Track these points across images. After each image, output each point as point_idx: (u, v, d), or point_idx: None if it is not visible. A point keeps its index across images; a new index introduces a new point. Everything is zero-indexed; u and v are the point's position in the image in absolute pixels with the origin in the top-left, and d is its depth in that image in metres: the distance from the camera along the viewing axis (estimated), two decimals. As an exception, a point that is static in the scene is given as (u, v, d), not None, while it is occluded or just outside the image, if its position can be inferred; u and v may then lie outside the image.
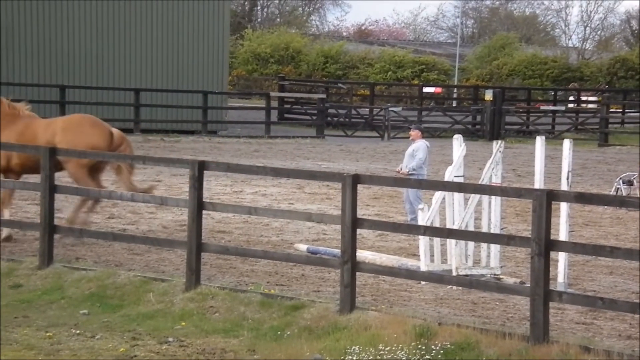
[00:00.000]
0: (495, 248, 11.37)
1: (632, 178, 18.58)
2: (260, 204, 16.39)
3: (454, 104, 45.93)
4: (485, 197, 11.25)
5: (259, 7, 75.55)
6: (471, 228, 11.26)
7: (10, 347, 8.52)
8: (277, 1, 76.29)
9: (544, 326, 8.56)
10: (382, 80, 51.51)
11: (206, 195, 10.86)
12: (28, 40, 30.44)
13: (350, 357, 8.36)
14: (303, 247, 12.80)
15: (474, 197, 11.21)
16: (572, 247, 9.90)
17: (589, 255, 11.23)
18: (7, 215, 13.28)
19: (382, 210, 16.42)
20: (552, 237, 8.87)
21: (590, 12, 69.67)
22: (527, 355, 8.30)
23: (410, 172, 14.60)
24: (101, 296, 10.26)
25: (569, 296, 9.27)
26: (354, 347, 8.51)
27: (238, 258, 11.70)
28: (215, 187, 17.96)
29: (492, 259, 11.43)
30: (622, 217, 16.37)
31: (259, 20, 72.84)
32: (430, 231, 10.63)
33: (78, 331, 9.11)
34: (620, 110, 41.18)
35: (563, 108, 41.48)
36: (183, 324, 9.42)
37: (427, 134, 34.91)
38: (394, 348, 8.45)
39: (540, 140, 11.08)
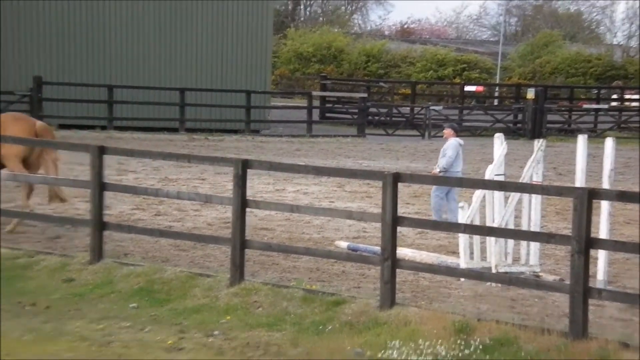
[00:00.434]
0: (535, 246, 11.40)
1: None
2: (301, 202, 16.51)
3: (496, 103, 45.69)
4: (525, 196, 11.28)
5: (302, 6, 75.55)
6: (511, 226, 11.30)
7: (65, 339, 8.68)
8: (320, 0, 76.28)
9: (583, 323, 8.61)
10: (424, 79, 51.24)
11: (249, 193, 10.97)
12: (77, 42, 30.82)
13: (390, 351, 8.43)
14: (344, 244, 12.91)
15: (515, 196, 11.25)
16: (612, 245, 9.90)
17: (630, 253, 11.20)
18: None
19: (422, 208, 16.45)
20: (593, 235, 8.89)
21: (637, 8, 68.69)
22: (566, 351, 8.33)
23: (440, 171, 14.50)
24: (149, 291, 10.41)
25: (608, 293, 9.30)
26: (394, 341, 8.58)
27: (280, 255, 11.83)
28: (258, 185, 18.08)
29: (531, 257, 11.48)
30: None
31: (302, 19, 72.81)
32: (470, 229, 10.69)
33: (128, 324, 9.26)
34: (665, 108, 40.62)
35: (606, 106, 40.96)
36: (228, 317, 9.54)
37: (468, 132, 34.96)
38: (433, 343, 8.51)
39: (582, 139, 11.04)
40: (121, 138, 27.07)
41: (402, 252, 11.45)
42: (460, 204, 11.63)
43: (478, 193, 11.51)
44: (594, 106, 40.28)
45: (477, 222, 11.26)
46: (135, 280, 10.66)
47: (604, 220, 10.55)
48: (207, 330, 9.07)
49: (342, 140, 31.26)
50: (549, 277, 11.25)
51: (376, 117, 35.82)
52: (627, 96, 44.10)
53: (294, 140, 30.52)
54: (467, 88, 44.55)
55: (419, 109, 36.32)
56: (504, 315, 9.48)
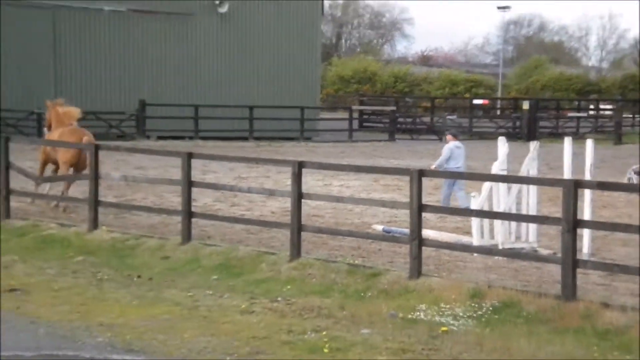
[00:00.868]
0: (533, 226, 11.21)
1: None
2: (345, 194, 16.42)
3: (498, 113, 45.28)
4: (524, 186, 11.10)
5: (343, 40, 75.69)
6: (514, 211, 11.12)
7: (163, 304, 8.69)
8: (357, 35, 76.27)
9: (573, 287, 8.42)
10: (440, 95, 51.03)
11: (304, 188, 10.90)
12: (172, 71, 31.10)
13: (418, 313, 8.33)
14: (379, 227, 12.79)
15: (516, 186, 11.08)
16: (594, 225, 9.76)
17: (608, 231, 10.98)
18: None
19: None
20: (579, 217, 8.72)
21: (605, 38, 68.68)
22: (559, 310, 8.16)
23: (435, 167, 14.44)
24: (227, 266, 10.39)
25: (592, 264, 9.12)
26: (421, 305, 8.49)
27: (329, 236, 11.70)
28: (310, 181, 18.03)
29: (530, 235, 11.29)
30: (633, 201, 15.92)
31: (343, 50, 72.92)
32: (481, 214, 10.56)
33: (211, 292, 9.23)
34: (631, 115, 40.36)
35: (585, 114, 40.83)
36: (288, 287, 9.49)
37: (477, 136, 34.65)
38: (452, 306, 8.42)
39: (567, 141, 10.95)
40: (204, 146, 27.20)
41: (426, 233, 11.28)
42: (472, 194, 11.46)
43: (486, 185, 11.34)
44: (576, 114, 40.04)
45: (486, 208, 11.08)
46: (216, 257, 10.65)
47: (587, 205, 10.40)
48: (272, 297, 9.03)
49: (376, 144, 31.16)
50: (545, 252, 11.04)
51: (403, 125, 35.73)
52: (601, 106, 43.96)
53: (338, 145, 30.50)
54: (475, 101, 44.41)
55: (437, 118, 36.13)
56: (509, 282, 9.30)
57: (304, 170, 10.52)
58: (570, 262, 8.44)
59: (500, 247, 10.91)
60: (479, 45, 78.87)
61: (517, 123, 35.83)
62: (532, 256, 10.14)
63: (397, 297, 8.89)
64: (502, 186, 11.18)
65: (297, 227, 10.31)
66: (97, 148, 12.48)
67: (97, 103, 29.18)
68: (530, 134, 33.57)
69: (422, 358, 7.07)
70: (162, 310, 8.38)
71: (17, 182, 14.38)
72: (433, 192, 17.15)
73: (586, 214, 10.32)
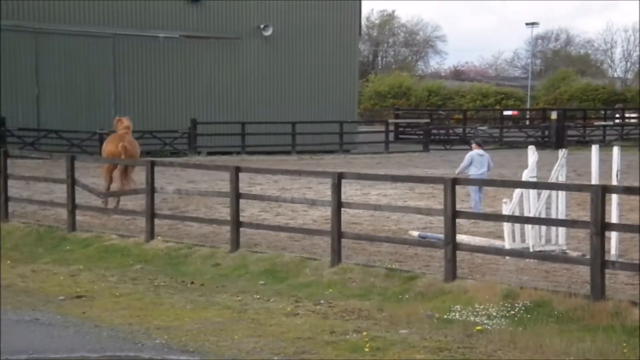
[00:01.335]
0: (562, 230, 11.03)
1: None
2: (382, 202, 16.32)
3: (527, 123, 44.74)
4: (554, 192, 10.94)
5: (379, 58, 75.64)
6: (543, 215, 10.95)
7: (214, 307, 8.74)
8: (393, 52, 76.15)
9: (601, 287, 8.28)
10: (472, 107, 50.59)
11: (343, 197, 10.88)
12: (220, 91, 31.43)
13: (453, 313, 8.26)
14: (415, 233, 12.69)
15: (545, 192, 10.92)
16: (621, 228, 9.57)
17: (635, 233, 10.71)
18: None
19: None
20: (606, 220, 8.58)
21: (630, 51, 67.78)
22: (589, 309, 8.02)
23: (458, 172, 14.71)
24: (273, 271, 10.39)
25: (620, 264, 8.94)
26: (456, 306, 8.42)
27: (367, 242, 11.67)
28: (349, 190, 17.96)
29: (560, 238, 11.10)
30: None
31: (380, 67, 72.83)
32: (512, 219, 10.42)
33: (258, 296, 9.27)
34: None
35: (611, 123, 40.10)
36: (330, 290, 9.47)
37: (507, 145, 34.26)
38: (486, 306, 8.31)
39: (595, 148, 10.73)
40: (250, 160, 27.37)
41: (460, 237, 11.17)
42: (504, 200, 11.32)
43: (517, 191, 11.20)
44: (602, 123, 39.38)
45: (517, 213, 10.94)
46: (262, 264, 10.68)
47: (615, 209, 10.20)
48: (315, 300, 9.03)
49: (412, 155, 30.98)
50: (574, 254, 10.84)
51: (437, 137, 35.46)
52: (626, 115, 43.21)
53: (375, 156, 30.38)
54: (505, 112, 43.86)
55: (470, 129, 35.78)
56: (540, 284, 9.17)
57: (343, 181, 10.51)
58: (599, 263, 8.30)
59: (531, 250, 10.75)
60: (509, 60, 78.10)
61: (546, 132, 35.34)
62: (561, 258, 9.98)
63: (433, 298, 8.83)
64: (532, 192, 11.03)
65: (338, 234, 10.29)
66: (152, 164, 12.65)
67: (153, 122, 29.59)
68: (559, 143, 33.08)
69: (458, 356, 7.00)
70: (213, 314, 8.43)
71: (81, 197, 14.64)
72: (466, 199, 16.98)
73: (613, 217, 10.12)
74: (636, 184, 16.36)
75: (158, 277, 10.41)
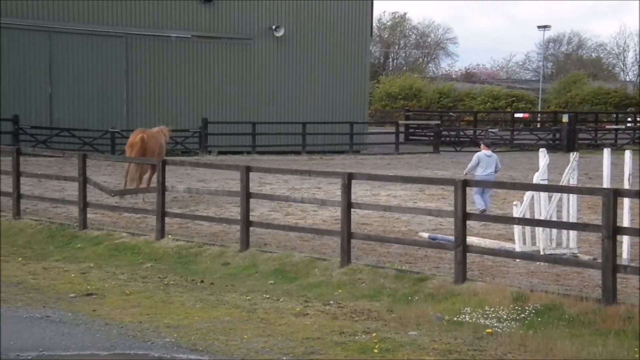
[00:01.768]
0: (573, 233, 10.95)
1: None
2: (392, 203, 16.26)
3: (539, 125, 44.57)
4: (565, 195, 10.86)
5: (390, 60, 75.56)
6: (554, 218, 10.88)
7: (223, 307, 8.73)
8: (404, 54, 76.04)
9: (613, 291, 8.21)
10: (483, 109, 50.44)
11: (353, 198, 10.85)
12: (232, 90, 31.44)
13: (463, 316, 8.21)
14: (425, 234, 12.64)
15: (556, 195, 10.85)
16: (633, 232, 9.43)
17: (647, 237, 10.67)
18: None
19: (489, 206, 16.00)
20: (618, 224, 8.51)
21: (641, 55, 67.35)
22: (600, 313, 7.96)
23: (466, 173, 14.91)
24: (282, 271, 10.37)
25: (631, 268, 8.86)
26: (466, 308, 8.37)
27: (377, 243, 11.62)
28: (359, 191, 17.93)
29: (571, 241, 11.02)
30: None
31: (390, 69, 72.76)
32: (522, 221, 10.35)
33: (267, 296, 9.25)
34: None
35: (623, 127, 39.82)
36: (340, 291, 9.43)
37: (518, 148, 34.14)
38: (496, 309, 8.26)
39: (606, 151, 10.64)
40: (261, 159, 27.37)
41: (470, 239, 11.12)
42: (515, 202, 11.27)
43: (528, 194, 11.13)
44: (614, 127, 39.11)
45: (527, 216, 10.88)
46: (272, 263, 10.65)
47: (626, 212, 10.12)
48: (324, 300, 9.00)
49: (422, 156, 30.89)
50: (585, 257, 10.77)
51: (447, 138, 35.35)
52: (638, 119, 42.95)
53: (385, 157, 30.33)
54: (517, 115, 43.76)
55: (480, 131, 35.66)
56: (550, 287, 9.11)
57: (353, 181, 10.48)
58: (611, 267, 8.23)
59: (541, 253, 10.68)
60: (520, 62, 77.93)
61: (557, 135, 35.17)
62: (572, 262, 9.90)
63: (443, 300, 8.77)
64: (543, 195, 10.96)
65: (347, 234, 10.26)
66: (164, 163, 12.65)
67: (164, 121, 29.41)
68: (570, 146, 32.91)
69: (467, 358, 6.95)
70: (223, 313, 8.42)
71: (93, 195, 14.67)
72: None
73: (625, 221, 10.04)
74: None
75: (168, 275, 10.41)
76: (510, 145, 35.08)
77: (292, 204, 15.20)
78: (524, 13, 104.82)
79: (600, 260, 8.64)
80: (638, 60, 68.23)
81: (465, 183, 9.47)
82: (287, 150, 30.35)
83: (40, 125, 27.42)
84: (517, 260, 10.57)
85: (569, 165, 11.06)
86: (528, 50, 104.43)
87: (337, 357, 6.96)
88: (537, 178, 11.19)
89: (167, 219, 12.46)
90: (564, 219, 10.90)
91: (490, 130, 34.58)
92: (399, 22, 75.26)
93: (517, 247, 10.93)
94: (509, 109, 49.37)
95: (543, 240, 10.85)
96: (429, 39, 76.40)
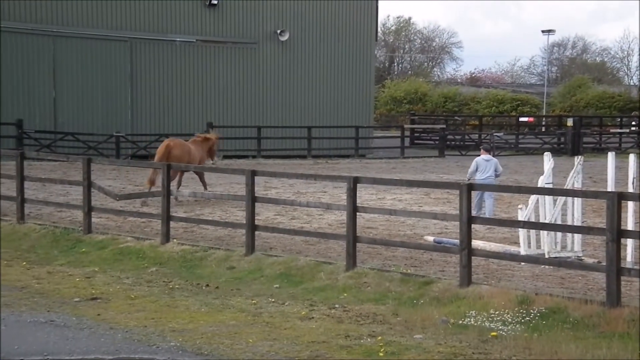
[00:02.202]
0: (578, 236, 10.96)
1: None
2: (397, 207, 16.26)
3: (543, 129, 44.52)
4: (569, 198, 10.87)
5: (395, 64, 75.60)
6: (559, 221, 10.89)
7: (229, 310, 8.74)
8: (409, 58, 76.08)
9: (617, 294, 8.22)
10: (488, 113, 50.41)
11: (359, 202, 10.86)
12: (236, 94, 31.52)
13: (468, 319, 8.21)
14: (430, 238, 12.66)
15: (561, 198, 10.85)
16: (637, 235, 9.44)
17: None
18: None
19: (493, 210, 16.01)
20: (622, 227, 8.51)
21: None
22: (604, 316, 7.96)
23: (468, 178, 14.98)
24: (287, 275, 10.37)
25: (635, 272, 8.82)
26: (471, 311, 8.37)
27: (383, 247, 11.64)
28: (364, 195, 17.93)
29: (575, 245, 11.03)
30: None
31: (396, 73, 72.79)
32: (527, 225, 10.36)
33: (273, 299, 9.25)
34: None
35: (627, 131, 39.80)
36: (345, 294, 9.44)
37: (523, 152, 34.12)
38: (501, 312, 8.27)
39: (610, 155, 10.65)
40: (266, 164, 27.42)
41: (476, 243, 11.11)
42: (520, 206, 11.27)
43: (533, 197, 11.14)
44: (618, 131, 39.14)
45: (532, 220, 10.89)
46: (277, 267, 10.66)
47: (631, 215, 10.13)
48: (330, 304, 9.00)
49: (427, 160, 30.89)
50: (590, 260, 10.77)
51: (452, 142, 35.35)
52: (642, 123, 42.93)
53: (390, 161, 30.34)
54: (521, 119, 43.75)
55: (485, 135, 35.65)
56: (555, 290, 9.11)
57: (358, 185, 10.49)
58: (615, 270, 8.24)
59: (546, 256, 10.68)
60: (525, 67, 77.85)
61: (562, 139, 35.14)
62: (577, 265, 9.90)
63: (448, 304, 8.78)
64: (548, 198, 10.97)
65: (353, 238, 10.27)
66: (169, 167, 12.70)
67: (169, 125, 29.74)
68: (575, 149, 32.89)
69: (472, 362, 6.96)
70: (228, 317, 8.43)
71: (97, 199, 14.72)
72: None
73: (629, 224, 10.04)
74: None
75: (173, 279, 10.44)
76: (515, 149, 35.06)
77: (297, 208, 15.23)
78: (528, 17, 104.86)
79: (604, 264, 8.64)
80: (641, 63, 68.28)
81: (471, 187, 9.49)
82: (293, 154, 30.38)
83: (44, 129, 27.51)
84: (522, 263, 10.57)
85: (573, 169, 11.07)
86: (533, 55, 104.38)
87: (342, 361, 6.97)
88: (542, 182, 11.20)
89: (172, 223, 12.49)
90: (569, 223, 10.91)
91: (495, 134, 34.55)
92: (404, 27, 75.31)
93: (522, 250, 10.93)
94: (513, 113, 49.34)
95: (548, 244, 10.85)
96: (434, 43, 76.43)
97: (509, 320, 8.10)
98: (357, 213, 10.45)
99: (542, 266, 10.39)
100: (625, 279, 8.70)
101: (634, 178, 10.26)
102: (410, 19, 78.57)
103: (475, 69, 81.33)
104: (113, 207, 15.01)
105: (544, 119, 47.55)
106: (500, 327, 7.94)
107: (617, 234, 8.24)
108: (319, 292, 9.63)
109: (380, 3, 35.99)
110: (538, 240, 11.10)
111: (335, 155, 30.88)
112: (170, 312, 8.65)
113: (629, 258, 10.17)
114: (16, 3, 27.29)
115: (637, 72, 69.53)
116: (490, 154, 15.56)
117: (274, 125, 30.94)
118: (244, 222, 11.60)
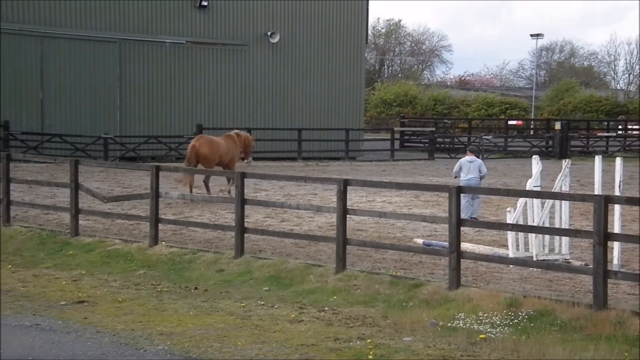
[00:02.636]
0: (565, 239, 11.01)
1: None
2: (387, 209, 16.28)
3: (532, 133, 44.71)
4: (557, 201, 10.92)
5: (385, 67, 75.75)
6: (547, 224, 10.93)
7: (217, 313, 8.70)
8: (399, 61, 76.23)
9: (604, 297, 8.25)
10: (477, 116, 50.62)
11: (349, 204, 10.85)
12: (226, 96, 31.47)
13: (457, 321, 8.23)
14: (420, 240, 12.68)
15: (549, 201, 10.90)
16: (624, 238, 9.52)
17: (637, 243, 10.69)
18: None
19: (479, 212, 16.07)
20: (609, 230, 8.54)
21: (633, 63, 68.04)
22: (592, 318, 8.00)
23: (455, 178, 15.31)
24: (277, 277, 10.35)
25: (622, 274, 8.89)
26: (460, 314, 8.39)
27: (372, 249, 11.63)
28: (354, 197, 17.94)
29: (563, 248, 11.08)
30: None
31: (386, 76, 72.94)
32: (516, 227, 10.39)
33: (262, 302, 9.23)
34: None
35: (614, 134, 40.14)
36: (335, 297, 9.43)
37: (512, 155, 34.27)
38: (490, 314, 8.29)
39: (597, 159, 10.72)
40: (256, 166, 27.35)
41: (465, 246, 11.15)
42: (508, 209, 11.32)
43: (521, 200, 11.18)
44: (605, 134, 39.41)
45: (521, 222, 10.92)
46: (267, 270, 10.63)
47: (617, 219, 10.18)
48: (319, 307, 8.99)
49: (417, 163, 30.96)
50: (577, 263, 10.83)
51: (442, 145, 35.44)
52: (629, 127, 43.31)
53: (380, 164, 30.37)
54: (510, 122, 43.89)
55: (474, 138, 35.76)
56: (543, 292, 9.14)
57: (348, 188, 10.49)
58: (602, 273, 8.27)
59: (534, 259, 10.72)
60: (514, 70, 78.18)
61: (550, 142, 35.33)
62: (565, 267, 9.95)
63: (438, 306, 8.79)
64: (536, 201, 11.02)
65: (343, 241, 10.27)
66: (157, 169, 12.66)
67: (158, 127, 29.67)
68: (562, 153, 33.06)
69: (461, 364, 6.97)
70: (217, 320, 8.40)
71: (85, 201, 14.64)
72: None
73: (616, 227, 10.09)
74: (637, 195, 16.33)
75: (161, 282, 10.39)
76: (504, 152, 35.19)
77: (287, 210, 15.21)
78: (517, 22, 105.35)
79: (591, 266, 8.68)
80: (628, 69, 68.97)
81: (460, 189, 9.51)
82: (283, 156, 30.37)
83: (31, 131, 27.34)
84: (511, 266, 10.60)
85: (561, 172, 11.12)
86: (521, 58, 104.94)
87: (331, 363, 6.97)
88: (530, 185, 11.25)
89: (160, 226, 12.43)
90: (557, 226, 10.95)
91: (484, 137, 34.66)
92: (394, 29, 75.47)
93: (511, 253, 10.97)
94: (502, 116, 49.52)
95: (536, 247, 10.89)
96: (424, 46, 76.63)
97: (498, 322, 8.12)
98: (347, 215, 10.44)
99: (530, 269, 10.42)
100: (612, 281, 8.74)
101: (620, 181, 10.31)
102: (400, 21, 78.88)
103: (464, 72, 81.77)
104: (101, 210, 14.94)
105: (532, 123, 47.76)
106: (489, 330, 7.95)
107: (604, 236, 8.28)
108: (308, 294, 9.61)
109: (370, 6, 36.02)
110: (526, 243, 11.14)
111: (325, 158, 30.89)
112: (159, 315, 8.61)
113: (615, 261, 10.21)
114: (3, 3, 27.13)
115: (624, 77, 70.11)
116: (476, 155, 15.70)
117: (264, 127, 30.89)
118: (234, 224, 11.55)
